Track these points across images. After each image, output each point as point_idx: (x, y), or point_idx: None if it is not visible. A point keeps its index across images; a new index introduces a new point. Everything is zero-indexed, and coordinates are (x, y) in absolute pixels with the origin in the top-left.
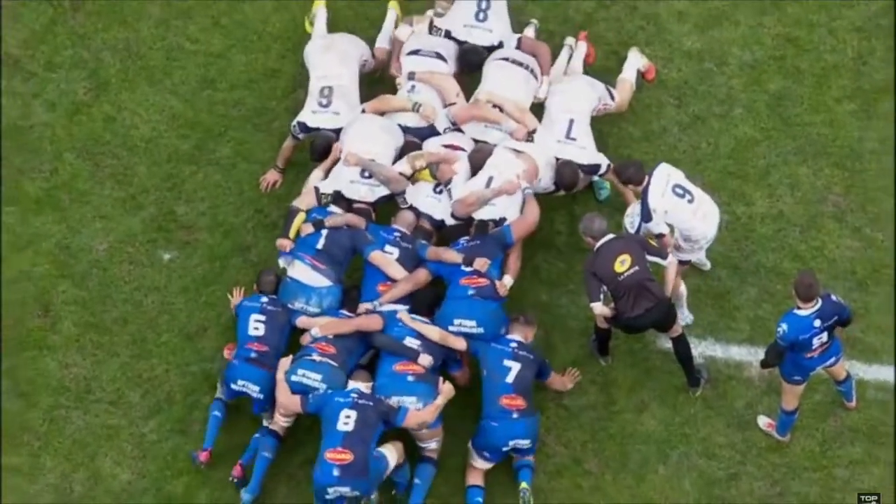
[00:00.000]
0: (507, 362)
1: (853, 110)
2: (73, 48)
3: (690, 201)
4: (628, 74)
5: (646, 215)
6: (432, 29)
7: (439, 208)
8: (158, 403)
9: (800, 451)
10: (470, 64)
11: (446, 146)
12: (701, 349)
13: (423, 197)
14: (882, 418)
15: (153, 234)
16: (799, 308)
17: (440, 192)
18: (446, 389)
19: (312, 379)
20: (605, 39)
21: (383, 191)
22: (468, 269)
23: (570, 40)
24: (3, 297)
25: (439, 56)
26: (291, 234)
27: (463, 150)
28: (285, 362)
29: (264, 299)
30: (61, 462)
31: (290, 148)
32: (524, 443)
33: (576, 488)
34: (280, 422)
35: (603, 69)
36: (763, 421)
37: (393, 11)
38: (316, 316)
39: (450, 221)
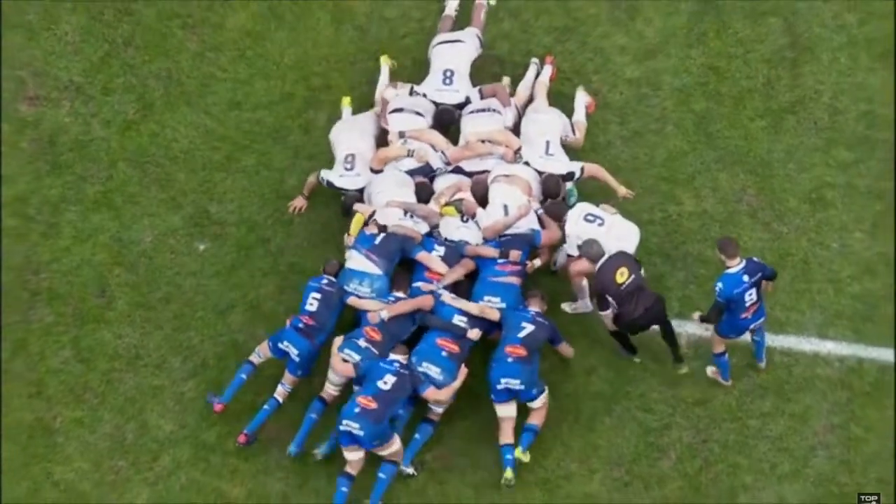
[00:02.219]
0: (524, 324)
1: (764, 126)
2: (124, 76)
3: (601, 225)
4: (580, 116)
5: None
6: (412, 92)
7: (469, 234)
8: (195, 367)
9: (719, 405)
10: (443, 122)
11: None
12: None
13: (453, 228)
14: (786, 378)
15: (191, 229)
16: (728, 267)
17: (467, 221)
18: (462, 373)
19: (353, 358)
20: (561, 69)
21: (425, 226)
22: (502, 260)
23: (535, 59)
24: (65, 281)
25: (418, 113)
26: (352, 232)
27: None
28: (338, 340)
29: (325, 280)
30: (115, 415)
31: (314, 184)
32: (514, 382)
33: (556, 442)
34: (329, 389)
35: (558, 93)
36: (710, 370)
37: (386, 66)
38: (367, 298)
39: (480, 242)
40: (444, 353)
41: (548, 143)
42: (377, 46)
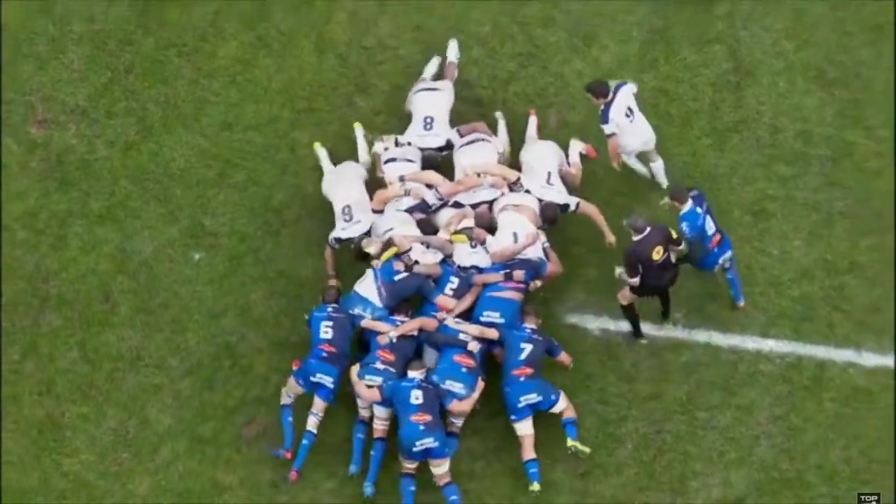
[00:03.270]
0: (523, 344)
1: (709, 144)
2: (125, 101)
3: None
4: (574, 159)
5: (604, 120)
6: (397, 143)
7: (480, 259)
8: (192, 367)
9: (671, 398)
10: (429, 166)
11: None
12: (598, 324)
13: (465, 255)
14: (732, 374)
15: (187, 240)
16: (683, 211)
17: (475, 247)
18: (480, 386)
19: (375, 382)
20: (524, 92)
21: (440, 255)
22: (507, 281)
23: (498, 113)
24: (72, 288)
25: (410, 160)
26: (382, 259)
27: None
28: (354, 369)
29: (330, 308)
30: (119, 411)
31: (332, 255)
32: (532, 397)
33: (508, 426)
34: (363, 413)
35: (521, 115)
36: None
37: (359, 129)
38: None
39: (488, 265)
40: (463, 370)
41: (549, 173)
42: (357, 72)
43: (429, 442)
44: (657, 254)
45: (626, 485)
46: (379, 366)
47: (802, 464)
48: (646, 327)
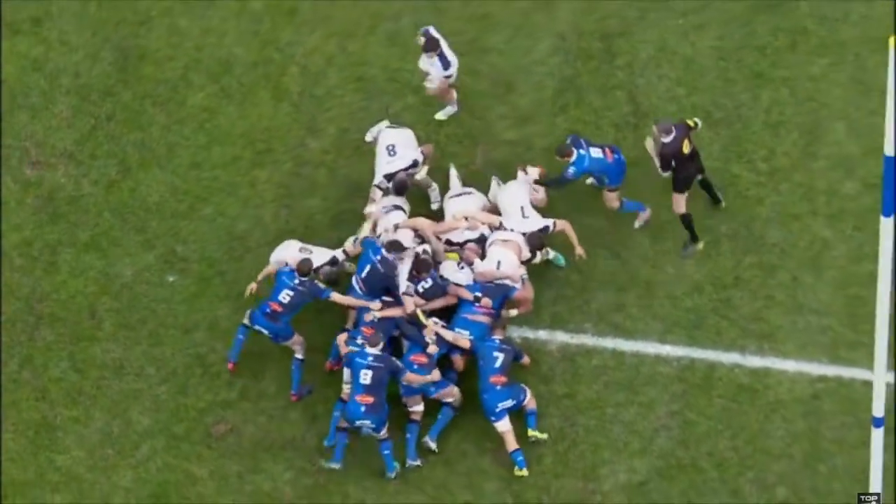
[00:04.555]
0: (495, 353)
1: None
2: (107, 145)
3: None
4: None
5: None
6: (384, 191)
7: (463, 278)
8: (167, 375)
9: (583, 398)
10: (400, 191)
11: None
12: (519, 333)
13: (451, 271)
14: (635, 375)
15: (162, 265)
16: (572, 160)
17: (462, 267)
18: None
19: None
20: (455, 133)
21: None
22: (477, 303)
23: (494, 178)
24: (62, 307)
25: (398, 207)
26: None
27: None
28: (343, 336)
29: (297, 281)
30: (104, 414)
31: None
32: (508, 403)
33: (455, 428)
34: (347, 390)
35: (452, 154)
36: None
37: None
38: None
39: (470, 282)
40: (415, 367)
41: (522, 208)
42: (308, 118)
43: (367, 423)
44: (686, 147)
45: (544, 472)
46: (359, 340)
47: (696, 452)
48: (562, 336)
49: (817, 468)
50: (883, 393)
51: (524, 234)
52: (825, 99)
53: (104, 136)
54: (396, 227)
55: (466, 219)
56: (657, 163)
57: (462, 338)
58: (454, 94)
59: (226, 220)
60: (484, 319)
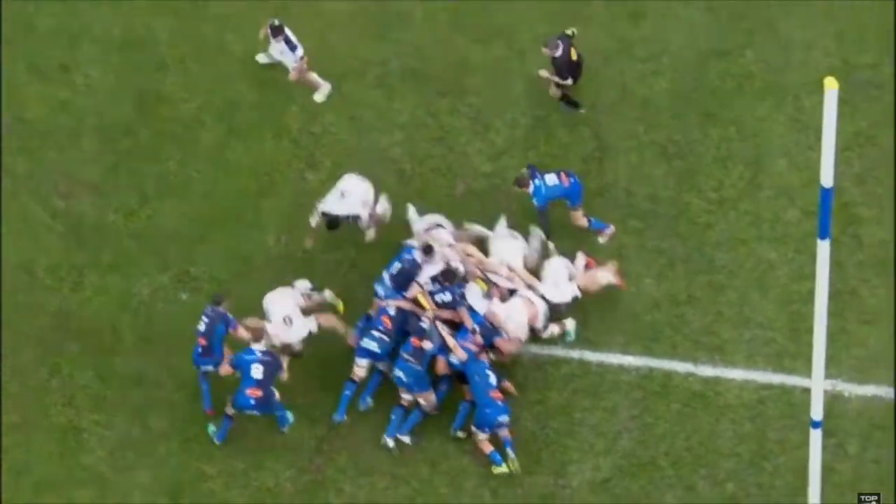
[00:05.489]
0: (488, 371)
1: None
2: (128, 177)
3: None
4: (579, 269)
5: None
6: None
7: (480, 306)
8: (182, 382)
9: (553, 403)
10: (334, 224)
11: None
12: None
13: (474, 295)
14: (600, 382)
15: (176, 284)
16: (531, 190)
17: (486, 297)
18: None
19: (372, 346)
20: (437, 167)
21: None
22: (472, 333)
23: (535, 230)
24: (88, 323)
25: (439, 224)
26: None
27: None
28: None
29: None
30: (125, 418)
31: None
32: (505, 418)
33: (438, 431)
34: (358, 372)
35: (434, 185)
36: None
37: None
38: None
39: (484, 312)
40: (411, 348)
41: (558, 281)
42: (307, 153)
43: (255, 413)
44: (573, 55)
45: (519, 469)
46: (376, 333)
47: (654, 451)
48: (534, 347)
49: (763, 466)
50: (821, 398)
51: (549, 304)
52: (768, 136)
53: (125, 169)
54: (450, 245)
55: (509, 268)
56: (556, 76)
57: (460, 349)
58: (316, 75)
59: (233, 245)
60: (472, 348)
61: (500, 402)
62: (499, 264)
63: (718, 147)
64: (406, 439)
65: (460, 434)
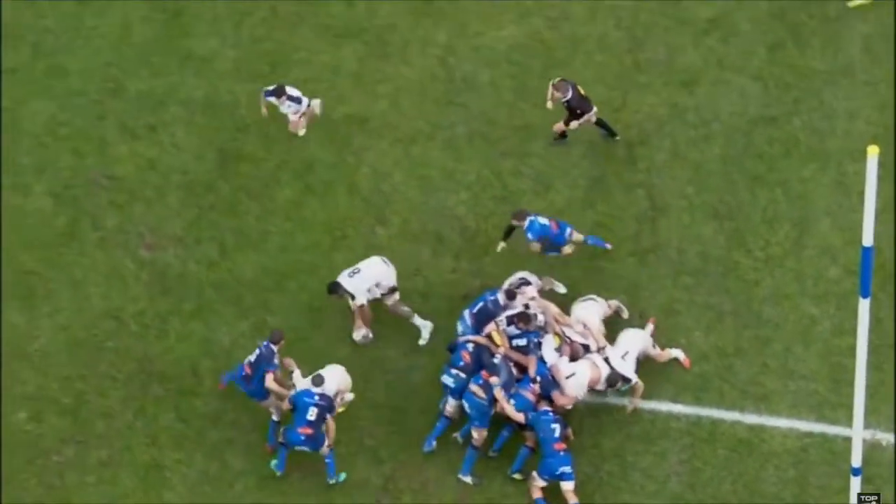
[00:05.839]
0: (553, 425)
1: (633, 261)
2: (209, 231)
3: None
4: (659, 352)
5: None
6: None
7: (550, 357)
8: (257, 424)
9: (607, 448)
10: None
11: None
12: None
13: (547, 347)
14: (650, 429)
15: (254, 332)
16: (525, 225)
17: (559, 352)
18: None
19: (448, 382)
20: (500, 224)
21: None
22: (533, 383)
23: (618, 303)
24: (170, 367)
25: (525, 281)
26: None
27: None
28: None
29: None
30: (204, 457)
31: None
32: (567, 468)
33: (500, 472)
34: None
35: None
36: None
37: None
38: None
39: (549, 365)
40: (481, 381)
41: (627, 352)
42: (377, 210)
43: (305, 448)
44: (581, 91)
45: None
46: (454, 371)
47: (702, 494)
48: (588, 396)
49: None
50: (860, 447)
51: (612, 370)
52: (813, 198)
53: (207, 223)
54: (532, 298)
55: (584, 326)
56: (573, 119)
57: (517, 414)
58: (304, 121)
59: (307, 295)
60: (530, 397)
61: (561, 453)
62: (575, 321)
63: (766, 208)
64: (468, 480)
65: (517, 476)
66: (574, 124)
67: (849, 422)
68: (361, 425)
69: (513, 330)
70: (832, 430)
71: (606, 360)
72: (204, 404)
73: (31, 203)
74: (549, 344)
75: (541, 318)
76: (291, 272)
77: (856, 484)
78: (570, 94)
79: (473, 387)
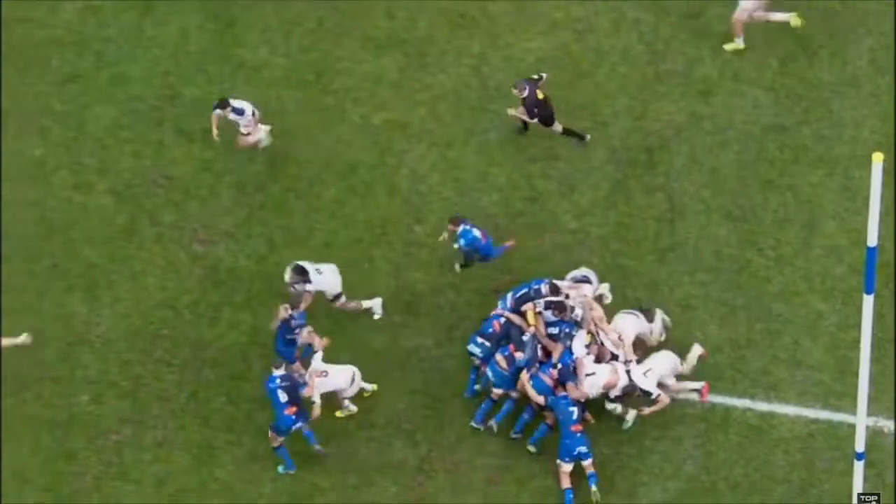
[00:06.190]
0: (571, 408)
1: (653, 259)
2: (259, 227)
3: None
4: (692, 362)
5: None
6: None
7: (579, 350)
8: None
9: (625, 434)
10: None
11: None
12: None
13: (578, 341)
14: (667, 416)
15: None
16: (458, 231)
17: (587, 346)
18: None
19: (475, 351)
20: (528, 223)
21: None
22: (553, 368)
23: (663, 315)
24: (222, 353)
25: (587, 279)
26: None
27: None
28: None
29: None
30: (252, 437)
31: None
32: (583, 448)
33: (512, 454)
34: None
35: (524, 237)
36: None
37: None
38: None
39: (577, 354)
40: (497, 367)
41: (650, 370)
42: (415, 209)
43: (300, 425)
44: (540, 94)
45: (599, 501)
46: (479, 338)
47: (715, 477)
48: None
49: (811, 492)
50: (864, 433)
51: (630, 381)
52: (820, 201)
53: (256, 220)
54: (584, 296)
55: (619, 337)
56: (525, 115)
57: (537, 396)
58: (253, 136)
59: (348, 289)
60: (548, 381)
61: (579, 435)
62: (612, 329)
63: (776, 210)
64: (494, 425)
65: (532, 448)
66: (514, 112)
67: (853, 410)
68: (399, 410)
69: (549, 316)
70: (837, 417)
71: (628, 371)
72: (252, 388)
73: (93, 201)
74: (580, 339)
75: (578, 312)
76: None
77: (859, 468)
78: (526, 93)
79: (498, 356)
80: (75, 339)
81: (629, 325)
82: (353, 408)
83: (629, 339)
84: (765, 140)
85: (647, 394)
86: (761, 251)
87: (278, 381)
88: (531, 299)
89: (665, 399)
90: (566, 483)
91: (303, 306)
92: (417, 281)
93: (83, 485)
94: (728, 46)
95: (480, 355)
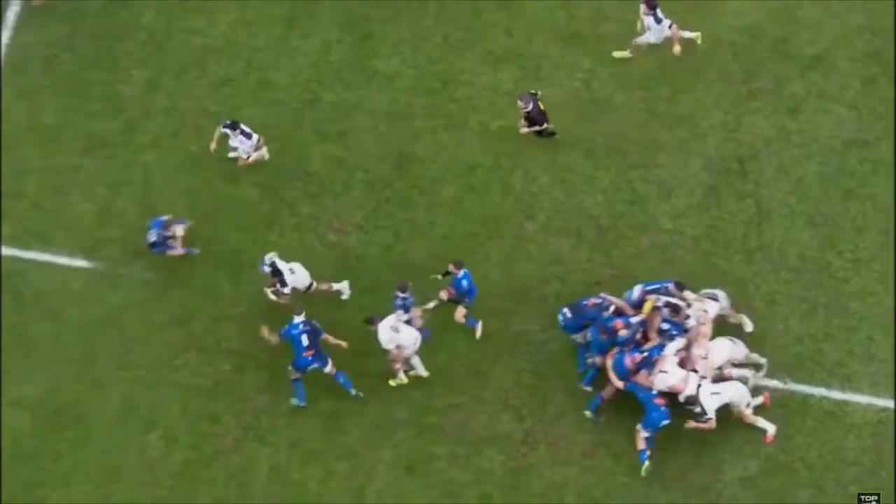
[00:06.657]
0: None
1: (741, 259)
2: (386, 220)
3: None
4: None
5: None
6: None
7: (670, 349)
8: (422, 382)
9: (717, 415)
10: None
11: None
12: None
13: (674, 346)
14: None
15: (420, 305)
16: (459, 275)
17: (676, 354)
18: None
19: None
20: (627, 223)
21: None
22: (635, 352)
23: (761, 360)
24: (351, 333)
25: (714, 297)
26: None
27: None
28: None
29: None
30: (376, 407)
31: None
32: (667, 422)
33: (608, 430)
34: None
35: (626, 236)
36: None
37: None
38: None
39: (665, 354)
40: (601, 337)
41: (718, 393)
42: (526, 206)
43: (316, 366)
44: (541, 105)
45: (682, 465)
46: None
47: (792, 457)
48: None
49: (879, 473)
50: None
51: (695, 395)
52: None
53: (384, 213)
54: (704, 311)
55: (706, 355)
56: (533, 127)
57: (618, 381)
58: (253, 158)
59: (400, 259)
60: (629, 364)
61: (663, 408)
62: (704, 345)
63: (855, 218)
64: (589, 414)
65: (589, 414)
66: (525, 130)
67: None
68: (507, 387)
69: (665, 313)
70: None
71: (699, 386)
72: (376, 364)
73: (240, 192)
74: (677, 343)
75: (692, 322)
76: (452, 258)
77: None
78: (530, 107)
79: (602, 326)
80: (220, 314)
81: (723, 349)
82: (404, 378)
83: (717, 360)
84: (847, 153)
85: (704, 412)
86: (840, 254)
87: (301, 326)
88: (656, 294)
89: (713, 424)
90: (641, 444)
91: (283, 302)
92: (526, 272)
93: (224, 445)
94: (616, 54)
95: (562, 324)
